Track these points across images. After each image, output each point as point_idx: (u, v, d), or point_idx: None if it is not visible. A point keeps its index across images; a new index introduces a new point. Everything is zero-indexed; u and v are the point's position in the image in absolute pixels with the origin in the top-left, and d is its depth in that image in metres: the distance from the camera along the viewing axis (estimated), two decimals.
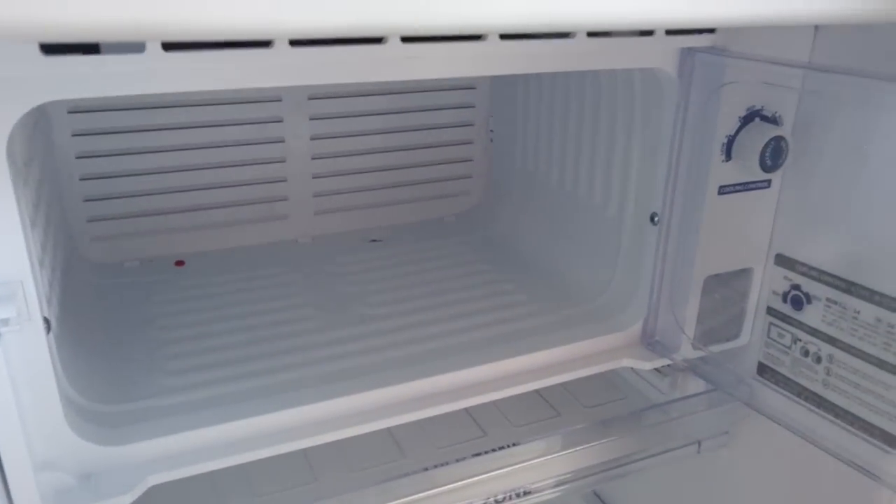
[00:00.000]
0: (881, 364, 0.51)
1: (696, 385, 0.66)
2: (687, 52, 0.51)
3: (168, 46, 0.35)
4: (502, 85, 0.81)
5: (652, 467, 0.63)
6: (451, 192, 0.85)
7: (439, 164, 0.83)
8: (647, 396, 0.69)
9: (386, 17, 0.27)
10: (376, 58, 0.41)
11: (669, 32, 0.48)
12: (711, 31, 0.50)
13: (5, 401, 0.36)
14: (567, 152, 0.71)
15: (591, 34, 0.45)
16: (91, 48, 0.34)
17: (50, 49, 0.33)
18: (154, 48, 0.35)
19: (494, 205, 0.84)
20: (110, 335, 0.58)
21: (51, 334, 0.41)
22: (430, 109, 0.81)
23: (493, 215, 0.83)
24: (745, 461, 0.67)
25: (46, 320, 0.41)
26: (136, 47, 0.35)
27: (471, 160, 0.85)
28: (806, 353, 0.57)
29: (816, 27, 0.51)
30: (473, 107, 0.83)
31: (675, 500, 0.76)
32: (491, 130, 0.84)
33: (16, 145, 0.43)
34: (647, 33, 0.47)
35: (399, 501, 0.49)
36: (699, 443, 0.65)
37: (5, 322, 0.36)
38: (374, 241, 0.78)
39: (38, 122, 0.59)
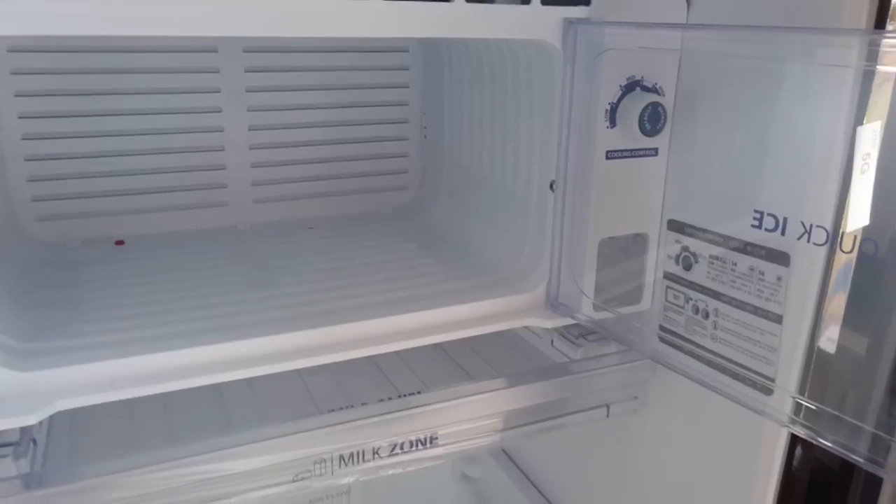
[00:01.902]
0: (756, 311, 0.55)
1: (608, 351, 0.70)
2: (568, 24, 0.56)
3: None
4: (433, 82, 0.86)
5: (562, 428, 0.65)
6: (388, 186, 0.90)
7: (376, 158, 0.88)
8: None
9: None
10: (273, 10, 0.46)
11: (545, 2, 0.53)
12: (587, 2, 0.55)
13: None
14: (484, 141, 0.75)
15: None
16: None
17: None
18: None
19: (428, 197, 0.88)
20: (36, 291, 0.61)
21: None
22: (368, 105, 0.86)
23: (427, 207, 0.87)
24: (653, 427, 0.70)
25: None
26: None
27: (406, 156, 0.90)
28: (696, 311, 0.60)
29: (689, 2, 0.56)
30: (408, 104, 0.88)
31: (587, 463, 0.79)
32: (425, 127, 0.89)
33: None
34: (525, 1, 0.53)
35: (302, 435, 0.52)
36: (608, 406, 0.68)
37: None
38: (309, 228, 0.82)
39: None
